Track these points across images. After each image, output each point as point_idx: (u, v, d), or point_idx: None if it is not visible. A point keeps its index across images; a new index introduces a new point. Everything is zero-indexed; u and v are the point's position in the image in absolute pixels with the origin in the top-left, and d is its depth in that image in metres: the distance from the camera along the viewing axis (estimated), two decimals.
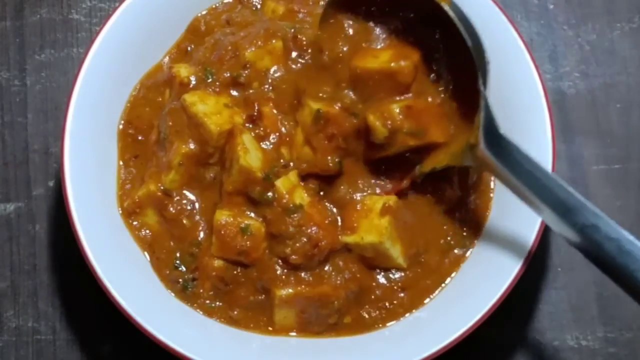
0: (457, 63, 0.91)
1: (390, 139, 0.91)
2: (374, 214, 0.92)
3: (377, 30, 0.94)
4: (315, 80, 0.94)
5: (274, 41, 0.96)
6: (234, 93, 0.96)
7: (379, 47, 0.93)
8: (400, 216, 0.93)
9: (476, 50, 0.88)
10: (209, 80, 0.96)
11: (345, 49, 0.93)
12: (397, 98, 0.92)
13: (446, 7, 0.88)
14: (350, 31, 0.94)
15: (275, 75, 0.96)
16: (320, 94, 0.93)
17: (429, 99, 0.92)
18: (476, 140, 0.87)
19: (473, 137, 0.88)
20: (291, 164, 0.93)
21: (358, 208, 0.93)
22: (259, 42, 0.96)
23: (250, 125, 0.94)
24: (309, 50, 0.96)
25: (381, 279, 0.95)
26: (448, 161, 0.91)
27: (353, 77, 0.92)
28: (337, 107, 0.92)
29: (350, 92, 0.93)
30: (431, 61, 0.93)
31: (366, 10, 0.94)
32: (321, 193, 0.94)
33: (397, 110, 0.90)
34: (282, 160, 0.93)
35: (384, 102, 0.91)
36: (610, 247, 0.79)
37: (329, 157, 0.92)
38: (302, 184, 0.93)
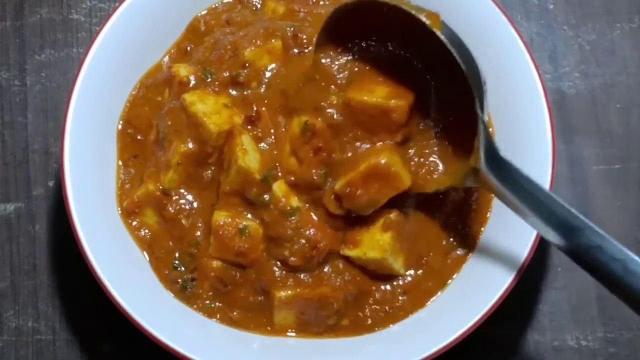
0: (451, 90, 0.90)
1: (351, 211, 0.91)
2: (375, 228, 0.92)
3: (371, 66, 0.93)
4: (306, 93, 0.93)
5: (273, 41, 0.96)
6: (233, 92, 0.96)
7: (374, 82, 0.92)
8: (402, 228, 0.93)
9: (471, 73, 0.87)
10: (208, 80, 0.96)
11: (339, 82, 0.92)
12: (379, 143, 0.91)
13: (438, 33, 0.86)
14: (343, 69, 0.93)
15: (273, 74, 0.95)
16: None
17: (370, 161, 0.90)
18: (476, 163, 0.87)
19: (473, 159, 0.87)
20: (279, 173, 0.93)
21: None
22: (258, 42, 0.96)
23: (250, 127, 0.94)
24: (309, 49, 0.96)
25: (382, 283, 0.95)
26: (451, 182, 0.91)
27: (346, 108, 0.91)
28: (322, 122, 0.91)
29: (338, 115, 0.92)
30: (424, 101, 0.92)
31: (359, 43, 0.94)
32: (316, 208, 0.93)
33: (343, 189, 0.90)
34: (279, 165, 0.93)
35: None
36: (616, 267, 0.79)
37: (314, 170, 0.91)
38: (296, 197, 0.92)
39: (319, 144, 0.91)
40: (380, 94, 0.90)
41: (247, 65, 0.95)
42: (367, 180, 0.89)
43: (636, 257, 0.79)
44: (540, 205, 0.84)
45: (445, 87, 0.92)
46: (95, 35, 0.99)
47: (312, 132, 0.90)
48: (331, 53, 0.93)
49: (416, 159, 0.93)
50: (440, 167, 0.93)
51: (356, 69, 0.93)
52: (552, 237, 0.84)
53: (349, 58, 0.93)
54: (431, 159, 0.93)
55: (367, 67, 0.93)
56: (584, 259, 0.82)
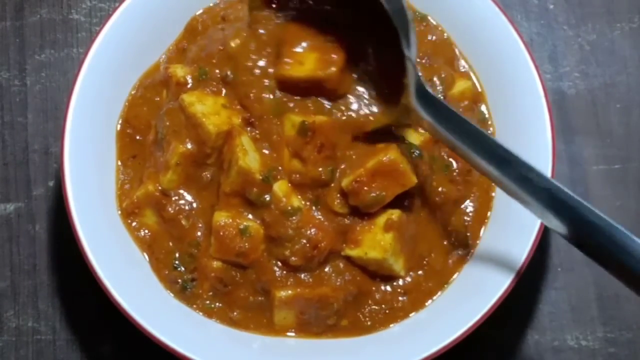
0: (382, 33, 0.91)
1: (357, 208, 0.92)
2: (377, 228, 0.92)
3: (299, 27, 0.94)
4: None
5: (261, 31, 0.96)
6: (225, 91, 0.96)
7: (302, 49, 0.93)
8: (404, 229, 0.93)
9: (397, 13, 0.87)
10: (204, 79, 0.96)
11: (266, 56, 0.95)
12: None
13: None
14: (272, 35, 0.95)
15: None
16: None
17: (372, 160, 0.91)
18: (407, 100, 0.89)
19: (404, 97, 0.89)
20: (280, 168, 0.92)
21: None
22: (244, 34, 0.96)
23: (249, 128, 0.94)
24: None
25: (382, 283, 0.95)
26: (387, 120, 0.93)
27: (280, 84, 0.93)
28: (322, 117, 0.92)
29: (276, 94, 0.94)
30: (357, 52, 0.94)
31: (285, 5, 0.96)
32: (318, 207, 0.93)
33: (350, 185, 0.90)
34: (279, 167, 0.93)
35: (332, 191, 0.92)
36: (542, 196, 0.83)
37: (321, 169, 0.92)
38: (299, 196, 0.92)
39: (321, 141, 0.91)
40: (310, 64, 0.92)
41: (235, 58, 0.95)
42: (375, 176, 0.90)
43: (557, 184, 0.82)
44: (468, 137, 0.86)
45: (376, 33, 0.93)
46: (95, 35, 0.99)
47: (313, 131, 0.90)
48: (264, 14, 0.95)
49: (355, 105, 0.94)
50: (376, 108, 0.94)
51: (284, 32, 0.94)
52: (485, 167, 0.86)
53: (278, 21, 0.95)
54: (367, 101, 0.94)
55: (295, 29, 0.94)
56: (514, 187, 0.84)
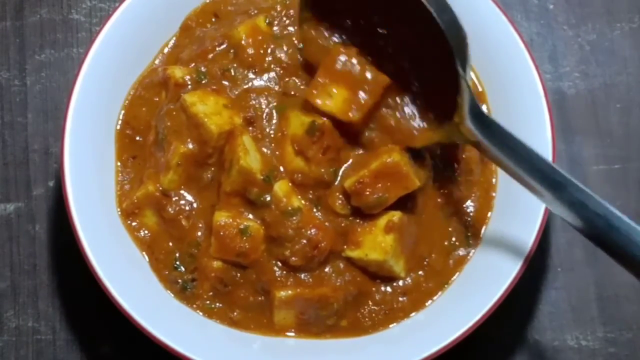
0: (430, 51, 0.89)
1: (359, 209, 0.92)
2: (378, 229, 0.91)
3: (341, 54, 0.92)
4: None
5: (255, 11, 0.98)
6: (225, 83, 0.96)
7: (336, 81, 0.91)
8: (405, 231, 0.93)
9: (451, 29, 0.86)
10: (204, 82, 0.96)
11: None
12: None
13: None
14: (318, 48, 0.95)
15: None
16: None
17: (376, 161, 0.90)
18: (460, 119, 0.87)
19: (458, 116, 0.88)
20: (281, 169, 0.93)
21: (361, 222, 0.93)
22: (246, 18, 0.97)
23: (251, 128, 0.94)
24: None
25: (382, 284, 0.95)
26: (438, 139, 0.92)
27: (308, 108, 0.92)
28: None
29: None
30: (400, 76, 0.92)
31: (335, 22, 0.94)
32: (319, 207, 0.93)
33: (353, 186, 0.90)
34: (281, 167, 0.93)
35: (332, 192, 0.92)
36: (599, 223, 0.81)
37: (323, 170, 0.92)
38: (300, 196, 0.92)
39: (328, 142, 0.91)
40: (338, 100, 0.90)
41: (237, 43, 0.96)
42: (378, 178, 0.90)
43: (618, 213, 0.81)
44: (522, 160, 0.85)
45: (423, 53, 0.91)
46: (95, 35, 0.99)
47: (321, 132, 0.90)
48: (314, 29, 0.95)
49: (399, 114, 0.93)
50: (423, 125, 0.93)
51: (325, 55, 0.93)
52: (538, 191, 0.85)
53: (323, 42, 0.94)
54: (412, 119, 0.93)
55: (336, 56, 0.92)
56: (568, 214, 0.83)
